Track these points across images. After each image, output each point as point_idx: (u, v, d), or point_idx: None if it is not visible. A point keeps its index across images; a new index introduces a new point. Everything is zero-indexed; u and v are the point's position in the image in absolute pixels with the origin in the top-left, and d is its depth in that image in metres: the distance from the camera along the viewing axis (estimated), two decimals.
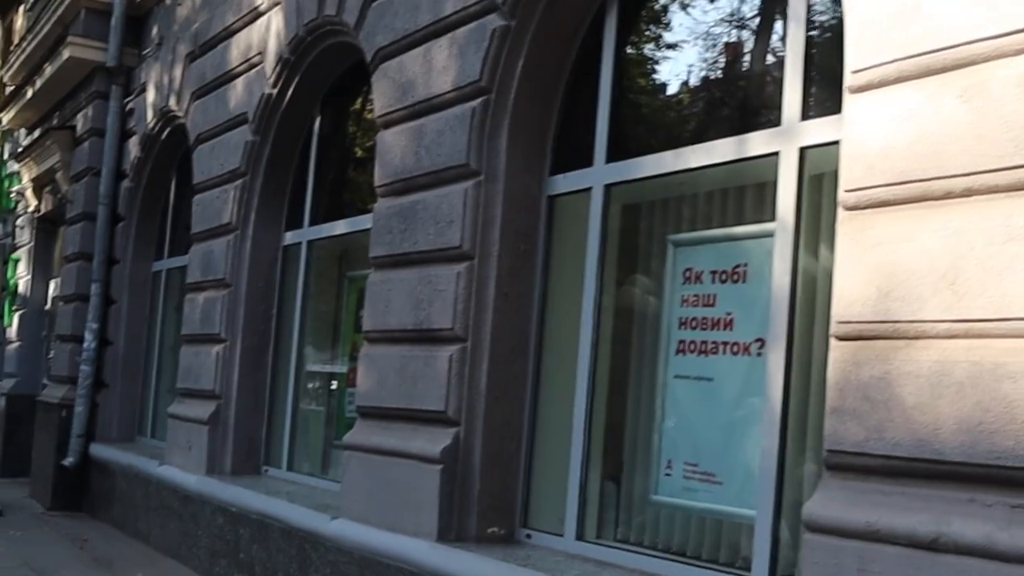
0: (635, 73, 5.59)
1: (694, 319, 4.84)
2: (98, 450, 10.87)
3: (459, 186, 5.65)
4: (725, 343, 4.67)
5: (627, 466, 5.16)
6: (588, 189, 5.37)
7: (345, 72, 7.85)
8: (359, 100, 8.10)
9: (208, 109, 9.17)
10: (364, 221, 6.94)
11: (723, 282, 4.73)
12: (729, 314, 4.68)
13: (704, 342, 4.78)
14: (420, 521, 5.46)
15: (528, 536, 5.44)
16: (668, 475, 4.86)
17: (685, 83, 5.37)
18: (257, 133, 8.30)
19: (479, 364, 5.46)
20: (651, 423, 4.97)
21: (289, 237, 8.41)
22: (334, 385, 7.86)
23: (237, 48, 8.71)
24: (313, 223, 8.16)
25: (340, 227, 7.73)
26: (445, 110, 5.86)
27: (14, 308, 14.72)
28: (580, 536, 5.15)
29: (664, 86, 5.48)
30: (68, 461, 10.90)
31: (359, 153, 8.13)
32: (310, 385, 8.19)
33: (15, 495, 11.80)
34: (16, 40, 15.33)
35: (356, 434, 6.23)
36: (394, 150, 6.24)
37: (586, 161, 5.41)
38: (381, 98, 6.48)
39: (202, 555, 8.06)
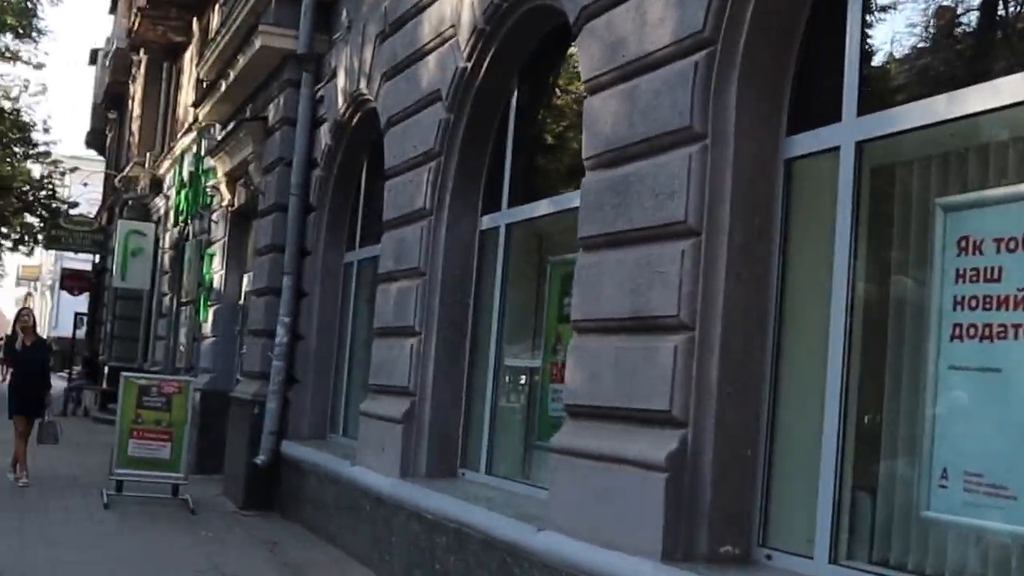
0: (890, 5, 4.81)
1: (974, 298, 4.05)
2: (289, 448, 10.74)
3: (681, 152, 5.02)
4: (1016, 326, 3.88)
5: (889, 476, 4.39)
6: (835, 148, 4.63)
7: (544, 39, 7.34)
8: (560, 68, 7.56)
9: (399, 90, 8.83)
10: (569, 199, 6.40)
11: (1011, 251, 3.93)
12: (1021, 291, 3.88)
13: (988, 325, 3.99)
14: (641, 537, 4.83)
15: (768, 557, 4.74)
16: (943, 487, 4.08)
17: (955, 13, 4.56)
18: (451, 110, 7.88)
19: (708, 356, 4.80)
20: (920, 425, 4.20)
21: (486, 221, 7.94)
22: (535, 381, 7.33)
23: (429, 23, 8.32)
24: (512, 205, 7.65)
25: (542, 207, 7.19)
26: (662, 68, 5.24)
27: (210, 303, 14.90)
28: (834, 559, 4.42)
29: (926, 20, 4.68)
30: (260, 459, 10.82)
31: (561, 126, 7.58)
32: (509, 380, 7.70)
33: (208, 492, 11.84)
34: (211, 36, 15.57)
35: (565, 436, 5.67)
36: (604, 117, 5.66)
37: (832, 116, 4.68)
38: (588, 61, 5.91)
39: (395, 564, 7.69)
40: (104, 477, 11.34)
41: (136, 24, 23.05)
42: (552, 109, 7.85)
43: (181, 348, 18.41)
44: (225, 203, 14.31)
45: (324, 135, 10.87)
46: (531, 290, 7.61)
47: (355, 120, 10.32)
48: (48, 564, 7.88)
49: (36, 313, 65.52)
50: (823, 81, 4.86)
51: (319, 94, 11.06)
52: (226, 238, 14.43)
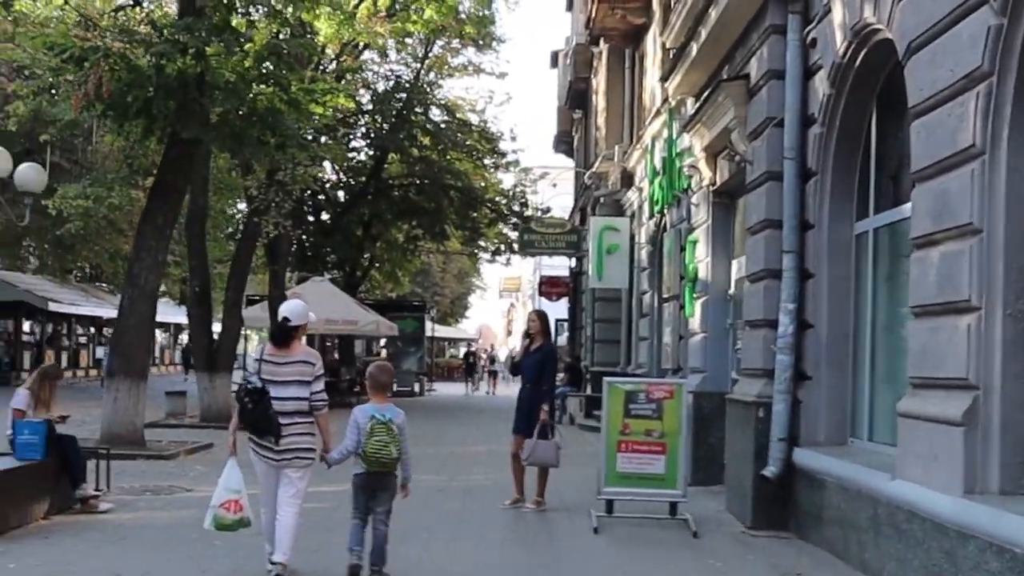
0: None
1: None
2: (803, 457, 9.41)
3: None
4: None
5: None
6: None
7: None
8: None
9: (922, 3, 7.22)
10: None
11: None
12: None
13: None
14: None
15: None
16: None
17: None
18: (1003, 13, 6.18)
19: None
20: None
21: None
22: None
23: None
24: None
25: None
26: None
27: (695, 296, 13.93)
28: None
29: None
30: (768, 470, 9.59)
31: None
32: None
33: (709, 508, 10.80)
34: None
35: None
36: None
37: None
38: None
39: None
40: (592, 495, 10.62)
41: (594, 12, 22.87)
42: None
43: (666, 348, 17.67)
44: (706, 182, 13.26)
45: (820, 84, 9.44)
46: None
47: (859, 60, 8.80)
48: None
49: (518, 323, 69.35)
50: None
51: (810, 37, 9.65)
52: (709, 221, 13.37)
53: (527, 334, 11.41)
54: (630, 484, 10.13)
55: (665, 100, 17.44)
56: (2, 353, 37.76)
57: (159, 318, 48.76)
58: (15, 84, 20.90)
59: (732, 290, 13.01)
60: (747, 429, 10.11)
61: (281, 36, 15.37)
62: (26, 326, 39.15)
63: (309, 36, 15.54)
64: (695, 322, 14.04)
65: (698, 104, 12.94)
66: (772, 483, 9.61)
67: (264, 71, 15.14)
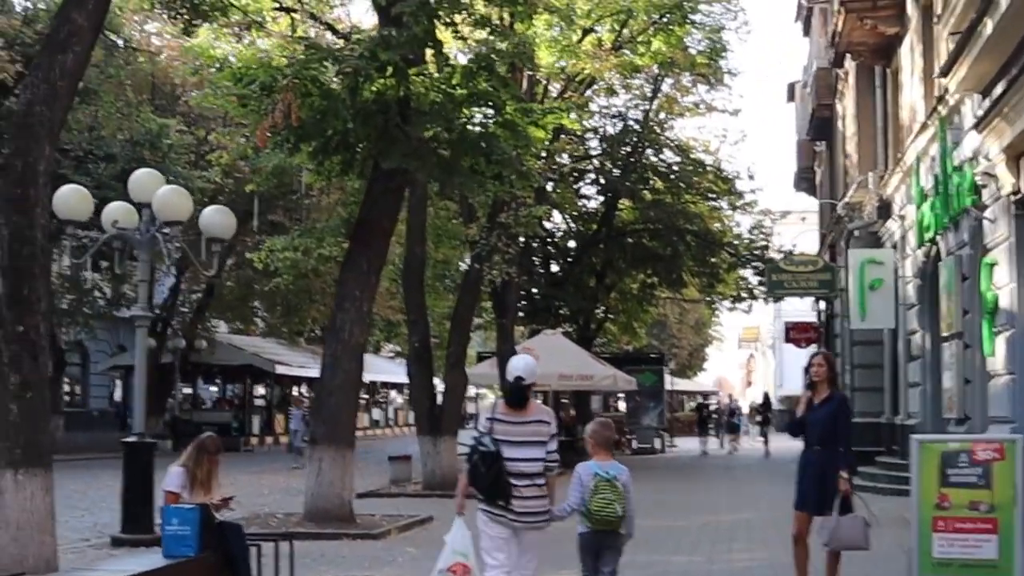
0: None
1: None
2: None
3: None
4: None
5: None
6: None
7: None
8: None
9: None
10: None
11: None
12: None
13: None
14: None
15: None
16: None
17: None
18: None
19: None
20: None
21: None
22: None
23: None
24: None
25: None
26: None
27: (995, 330, 11.40)
28: None
29: None
30: None
31: None
32: None
33: None
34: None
35: None
36: None
37: None
38: None
39: None
40: None
41: (840, 26, 20.53)
42: None
43: (948, 395, 15.07)
44: (1006, 190, 10.79)
45: None
46: None
47: None
48: None
49: (758, 374, 65.99)
50: None
51: None
52: (1012, 238, 10.87)
53: (810, 383, 9.08)
54: (951, 574, 7.73)
55: (933, 110, 15.01)
56: (231, 418, 37.98)
57: (389, 377, 48.57)
58: (215, 133, 20.29)
59: None
60: None
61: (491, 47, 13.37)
62: (257, 390, 39.37)
63: (522, 45, 13.41)
64: (996, 361, 11.53)
65: (995, 97, 10.56)
66: None
67: (474, 89, 13.27)
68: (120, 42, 28.42)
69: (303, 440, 26.05)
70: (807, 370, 9.25)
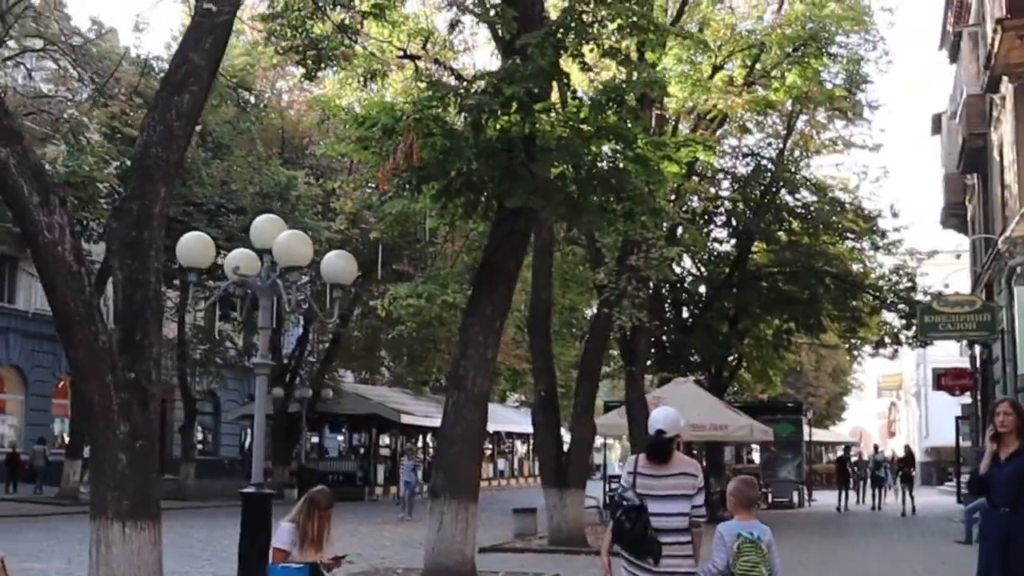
0: None
1: None
2: None
3: None
4: None
5: None
6: None
7: None
8: None
9: None
10: None
11: None
12: None
13: None
14: None
15: None
16: None
17: None
18: None
19: None
20: None
21: None
22: None
23: None
24: None
25: None
26: None
27: None
28: None
29: None
30: None
31: None
32: None
33: None
34: None
35: None
36: None
37: None
38: None
39: None
40: None
41: (995, 47, 19.22)
42: None
43: None
44: None
45: None
46: None
47: None
48: None
49: (901, 424, 62.92)
50: None
51: None
52: None
53: (995, 434, 7.92)
54: None
55: None
56: (356, 467, 37.77)
57: (514, 427, 48.22)
58: (340, 181, 19.98)
59: None
60: None
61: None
62: (382, 439, 39.20)
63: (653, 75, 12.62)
64: None
65: None
66: None
67: (603, 123, 12.48)
68: (252, 98, 28.82)
69: (414, 491, 25.73)
70: (991, 419, 8.12)
